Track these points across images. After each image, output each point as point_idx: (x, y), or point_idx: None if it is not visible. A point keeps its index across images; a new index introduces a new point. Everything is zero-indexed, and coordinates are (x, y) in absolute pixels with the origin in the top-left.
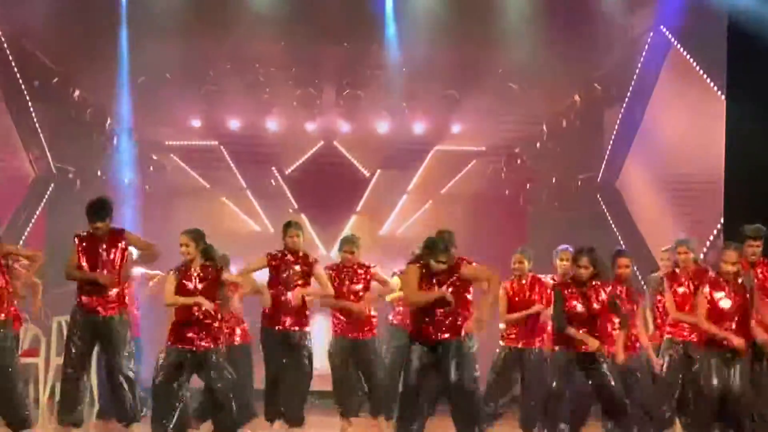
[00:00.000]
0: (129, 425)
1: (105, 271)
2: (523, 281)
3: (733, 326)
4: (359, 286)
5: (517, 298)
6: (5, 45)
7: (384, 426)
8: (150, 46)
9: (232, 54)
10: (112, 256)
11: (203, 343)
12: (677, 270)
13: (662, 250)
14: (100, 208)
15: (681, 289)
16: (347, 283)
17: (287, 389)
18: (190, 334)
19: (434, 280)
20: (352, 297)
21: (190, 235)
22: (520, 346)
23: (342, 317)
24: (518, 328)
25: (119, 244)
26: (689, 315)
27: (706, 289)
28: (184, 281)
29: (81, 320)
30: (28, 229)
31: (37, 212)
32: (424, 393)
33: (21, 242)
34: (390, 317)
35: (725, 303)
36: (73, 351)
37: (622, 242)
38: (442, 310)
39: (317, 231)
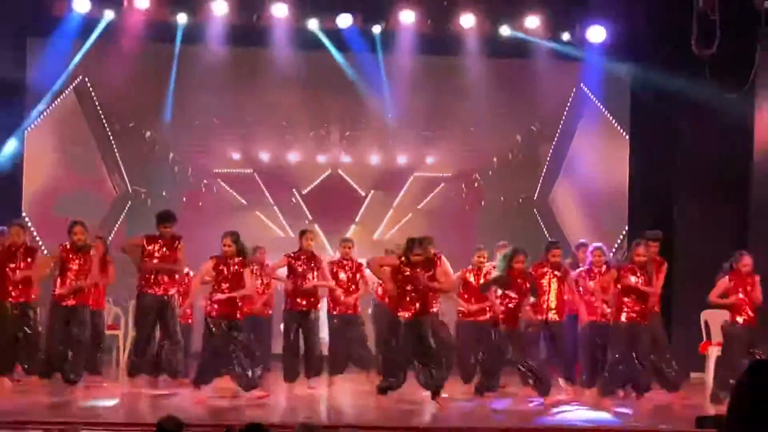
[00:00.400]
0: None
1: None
2: (480, 273)
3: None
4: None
5: (475, 288)
6: (94, 96)
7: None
8: (203, 98)
9: (262, 104)
10: (168, 253)
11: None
12: (592, 267)
13: (576, 245)
14: (167, 216)
15: (591, 284)
16: (346, 273)
17: (308, 352)
18: (224, 309)
19: (417, 267)
20: (347, 284)
21: (231, 236)
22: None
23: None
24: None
25: (175, 245)
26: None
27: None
28: (221, 267)
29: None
30: (112, 235)
31: (118, 222)
32: (406, 354)
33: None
34: (374, 296)
35: (638, 284)
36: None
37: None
38: (415, 293)
39: (326, 236)
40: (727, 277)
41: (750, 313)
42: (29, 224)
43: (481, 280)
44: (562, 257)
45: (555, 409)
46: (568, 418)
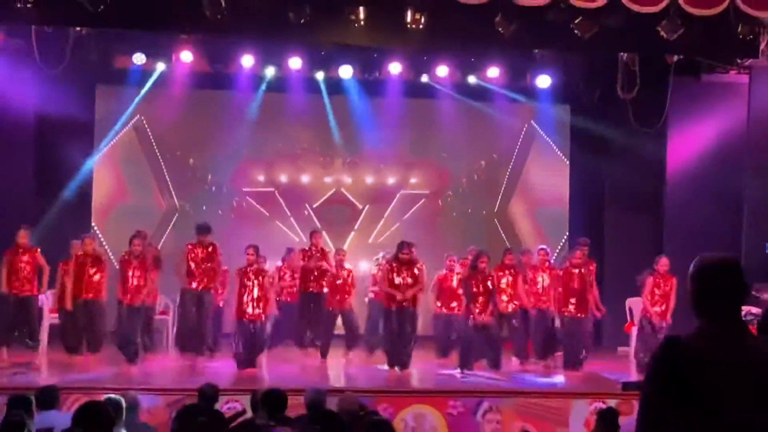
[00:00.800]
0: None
1: (203, 266)
2: (453, 276)
3: (577, 297)
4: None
5: (447, 287)
6: (149, 132)
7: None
8: (235, 133)
9: (281, 137)
10: (207, 257)
11: (256, 314)
12: (538, 265)
13: (522, 251)
14: (205, 228)
15: (539, 278)
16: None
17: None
18: (248, 310)
19: (402, 268)
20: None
21: (255, 248)
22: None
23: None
24: (443, 301)
25: (213, 252)
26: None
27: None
28: (243, 278)
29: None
30: (162, 242)
31: (167, 231)
32: (395, 335)
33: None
34: (370, 293)
35: (575, 282)
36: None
37: (507, 246)
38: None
39: (331, 240)
40: (651, 277)
41: (663, 306)
42: (97, 231)
43: (453, 283)
44: (515, 259)
45: (513, 376)
46: (524, 383)
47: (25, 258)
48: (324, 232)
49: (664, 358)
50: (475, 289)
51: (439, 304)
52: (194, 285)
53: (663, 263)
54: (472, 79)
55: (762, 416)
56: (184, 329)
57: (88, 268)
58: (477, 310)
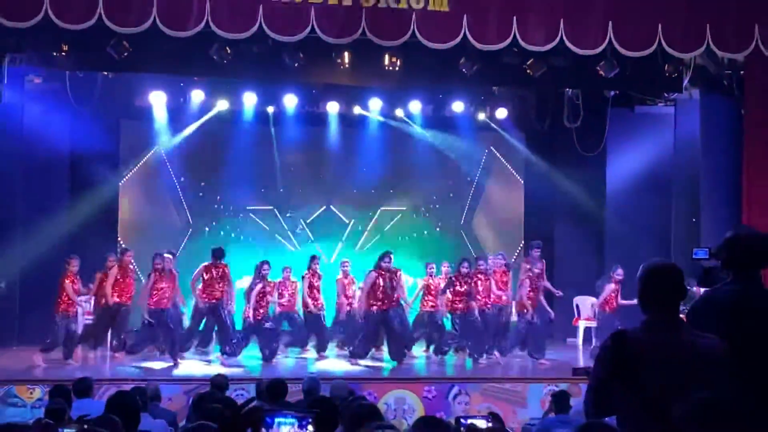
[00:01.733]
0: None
1: (221, 284)
2: (432, 279)
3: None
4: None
5: (431, 290)
6: (165, 159)
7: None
8: (239, 159)
9: (279, 163)
10: (220, 276)
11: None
12: (495, 268)
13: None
14: (220, 253)
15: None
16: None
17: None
18: (261, 310)
19: (387, 275)
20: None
21: (268, 263)
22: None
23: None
24: (427, 301)
25: (225, 271)
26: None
27: (526, 281)
28: (266, 286)
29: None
30: (178, 253)
31: (182, 245)
32: (376, 334)
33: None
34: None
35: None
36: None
37: (474, 255)
38: (387, 294)
39: (322, 249)
40: (610, 284)
41: (614, 305)
42: (122, 245)
43: (441, 285)
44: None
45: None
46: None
47: (74, 285)
48: (317, 244)
49: (611, 348)
50: (457, 286)
51: (422, 304)
52: (207, 298)
53: (618, 272)
54: (440, 111)
55: (692, 399)
56: (188, 332)
57: (127, 277)
58: (459, 305)
